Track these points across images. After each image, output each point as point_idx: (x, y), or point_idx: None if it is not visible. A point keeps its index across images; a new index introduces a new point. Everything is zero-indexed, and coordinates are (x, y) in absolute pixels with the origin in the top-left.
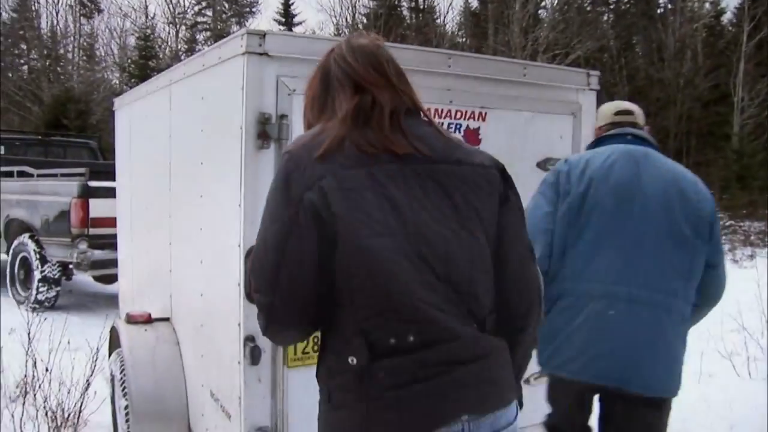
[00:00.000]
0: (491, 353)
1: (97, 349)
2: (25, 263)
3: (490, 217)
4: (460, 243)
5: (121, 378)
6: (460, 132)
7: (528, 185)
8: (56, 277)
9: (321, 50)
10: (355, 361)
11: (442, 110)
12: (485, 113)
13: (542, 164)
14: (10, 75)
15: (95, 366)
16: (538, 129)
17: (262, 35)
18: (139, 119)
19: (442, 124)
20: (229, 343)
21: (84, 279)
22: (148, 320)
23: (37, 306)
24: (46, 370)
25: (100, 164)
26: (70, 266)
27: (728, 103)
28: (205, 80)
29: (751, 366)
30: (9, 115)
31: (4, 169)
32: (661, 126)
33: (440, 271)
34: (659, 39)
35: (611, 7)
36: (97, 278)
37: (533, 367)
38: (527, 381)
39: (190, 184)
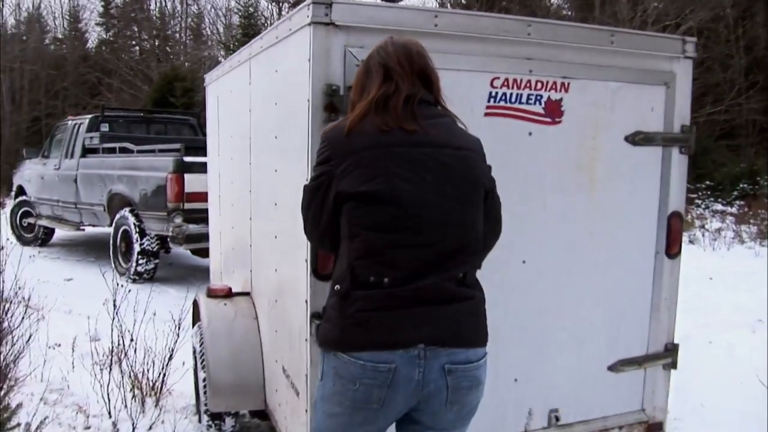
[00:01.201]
0: (457, 301)
1: (179, 320)
2: (126, 236)
3: (481, 195)
4: (454, 213)
5: (201, 350)
6: (540, 104)
7: (615, 160)
8: (155, 249)
9: (390, 19)
10: (339, 288)
11: (520, 81)
12: (568, 83)
13: (631, 138)
14: (123, 56)
15: (178, 337)
16: (627, 100)
17: (329, 4)
18: (225, 94)
19: (521, 95)
20: (298, 320)
21: (183, 252)
22: (228, 294)
23: (137, 277)
24: (131, 339)
25: (197, 140)
26: (168, 239)
27: None
28: (279, 52)
29: None
30: (122, 94)
31: (107, 145)
32: None
33: (433, 234)
34: None
35: None
36: (194, 252)
37: (620, 353)
38: (613, 368)
39: (267, 158)
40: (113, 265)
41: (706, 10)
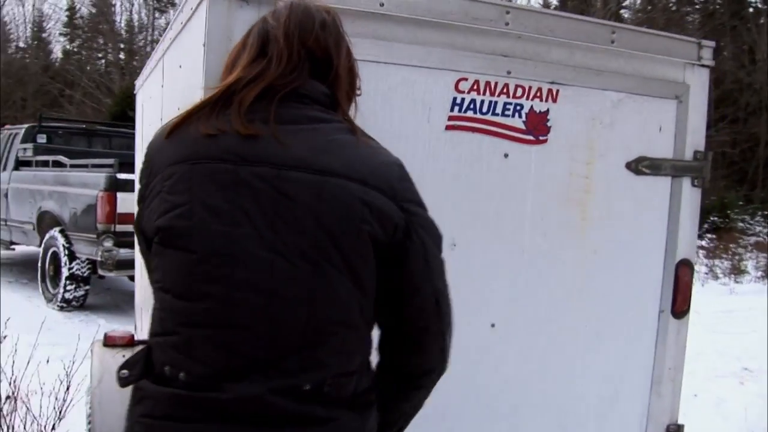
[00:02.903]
0: (294, 425)
1: (68, 374)
2: (55, 259)
3: (363, 253)
4: (297, 279)
5: (89, 417)
6: (520, 116)
7: (613, 193)
8: (85, 275)
9: None
10: (128, 373)
11: (495, 85)
12: (557, 91)
13: (634, 165)
14: (88, 68)
15: (67, 392)
16: (630, 116)
17: None
18: (146, 101)
19: (495, 104)
20: None
21: (123, 278)
22: (130, 343)
23: (64, 305)
24: (12, 393)
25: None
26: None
27: None
28: (183, 41)
29: None
30: (83, 107)
31: (41, 158)
32: (750, 133)
33: (256, 314)
34: (751, 40)
35: (697, 7)
36: (132, 278)
37: None
38: None
39: None
40: (41, 290)
41: None
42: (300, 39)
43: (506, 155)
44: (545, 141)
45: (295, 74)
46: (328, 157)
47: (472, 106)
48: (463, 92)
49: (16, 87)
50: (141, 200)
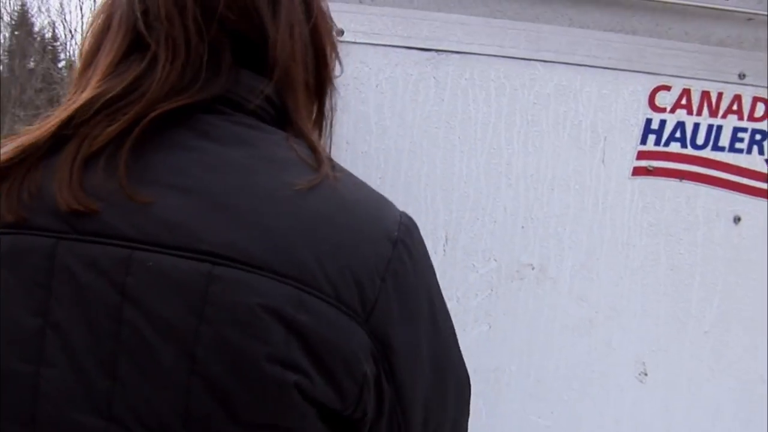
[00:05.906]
0: None
1: None
2: None
3: (289, 427)
4: None
5: None
6: (762, 152)
7: None
8: None
9: None
10: None
11: (718, 97)
12: None
13: None
14: None
15: None
16: None
17: None
18: None
19: (718, 132)
20: None
21: None
22: None
23: None
24: None
25: None
26: None
27: None
28: None
29: None
30: None
31: None
32: None
33: None
34: None
35: None
36: None
37: None
38: None
39: None
40: None
41: None
42: (206, 12)
43: (738, 219)
44: None
45: (203, 76)
46: (231, 221)
47: (678, 134)
48: (664, 110)
49: None
50: None
